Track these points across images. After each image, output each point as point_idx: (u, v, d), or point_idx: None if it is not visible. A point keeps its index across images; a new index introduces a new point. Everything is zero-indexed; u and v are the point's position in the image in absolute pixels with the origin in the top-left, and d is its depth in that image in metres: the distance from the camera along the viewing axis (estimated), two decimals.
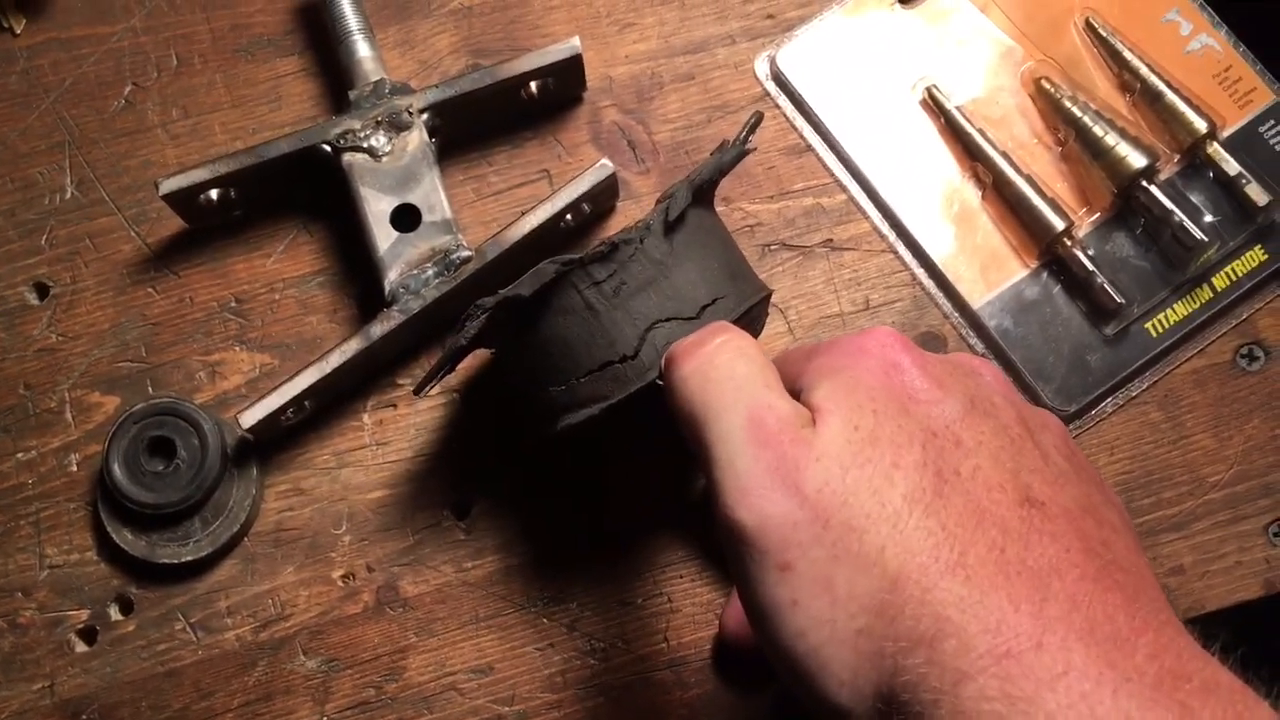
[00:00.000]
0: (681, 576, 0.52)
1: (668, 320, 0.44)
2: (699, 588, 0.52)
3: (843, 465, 0.36)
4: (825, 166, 0.57)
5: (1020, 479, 0.37)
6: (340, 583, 0.53)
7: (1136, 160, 0.53)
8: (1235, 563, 0.52)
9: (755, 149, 0.49)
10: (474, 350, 0.48)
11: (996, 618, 0.34)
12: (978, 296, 0.54)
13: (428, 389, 0.49)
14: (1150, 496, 0.53)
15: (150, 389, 0.55)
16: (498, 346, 0.49)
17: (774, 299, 0.55)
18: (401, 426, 0.54)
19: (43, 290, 0.56)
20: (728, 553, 0.37)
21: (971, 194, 0.55)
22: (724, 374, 0.39)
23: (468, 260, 0.52)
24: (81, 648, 0.53)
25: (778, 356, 0.43)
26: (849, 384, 0.38)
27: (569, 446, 0.52)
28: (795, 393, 0.40)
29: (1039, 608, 0.34)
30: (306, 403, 0.52)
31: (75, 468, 0.54)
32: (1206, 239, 0.52)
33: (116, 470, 0.52)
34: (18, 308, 0.56)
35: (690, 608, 0.52)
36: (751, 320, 0.48)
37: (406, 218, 0.52)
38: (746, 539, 0.36)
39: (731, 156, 0.47)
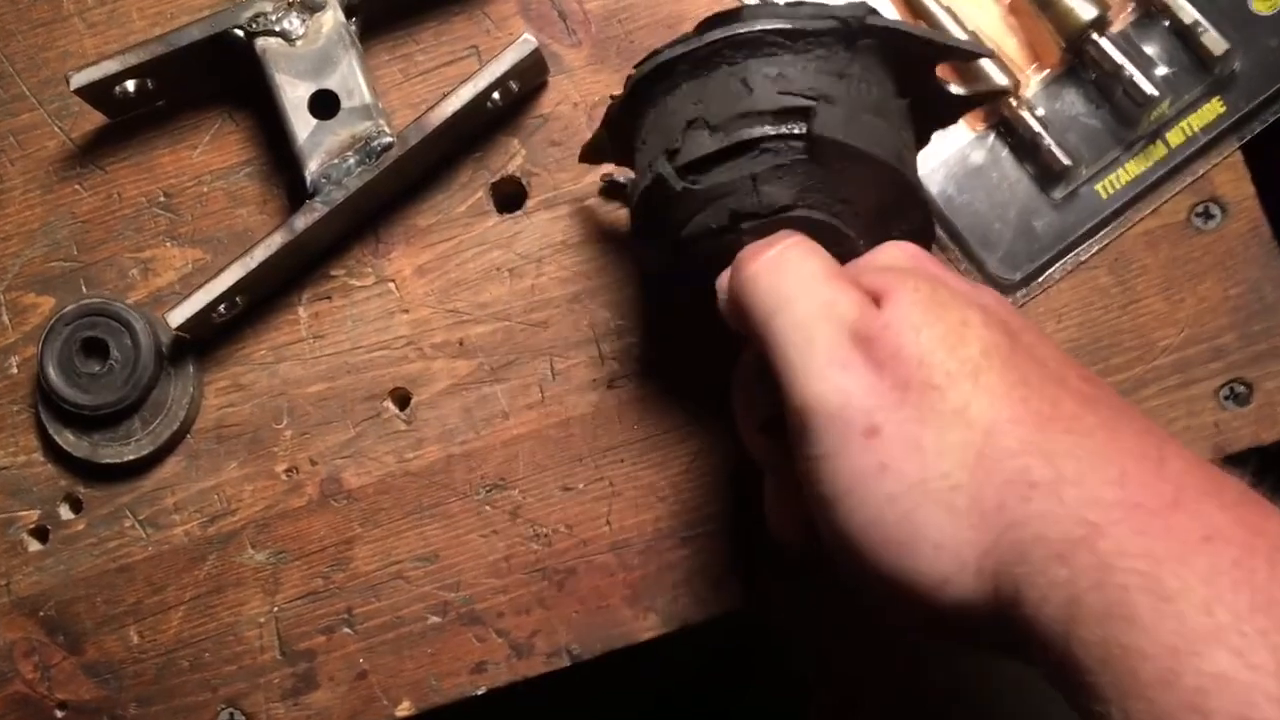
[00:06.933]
0: (623, 460, 0.52)
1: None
2: (641, 470, 0.52)
3: (914, 326, 0.36)
4: None
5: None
6: (284, 477, 0.53)
7: (1085, 11, 0.50)
8: (1184, 428, 0.51)
9: None
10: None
11: (1118, 469, 0.32)
12: (920, 163, 0.52)
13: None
14: (1099, 363, 0.51)
15: (84, 288, 0.54)
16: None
17: None
18: (338, 319, 0.54)
19: None
20: (804, 438, 0.36)
21: None
22: (794, 267, 0.39)
23: (389, 147, 0.50)
24: (35, 547, 0.54)
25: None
26: (902, 269, 0.39)
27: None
28: None
29: (1158, 466, 0.32)
30: (237, 299, 0.51)
31: (16, 370, 0.54)
32: (1158, 93, 0.50)
33: (51, 373, 0.52)
34: None
35: (632, 491, 0.52)
36: None
37: (325, 104, 0.51)
38: (829, 412, 0.35)
39: None
